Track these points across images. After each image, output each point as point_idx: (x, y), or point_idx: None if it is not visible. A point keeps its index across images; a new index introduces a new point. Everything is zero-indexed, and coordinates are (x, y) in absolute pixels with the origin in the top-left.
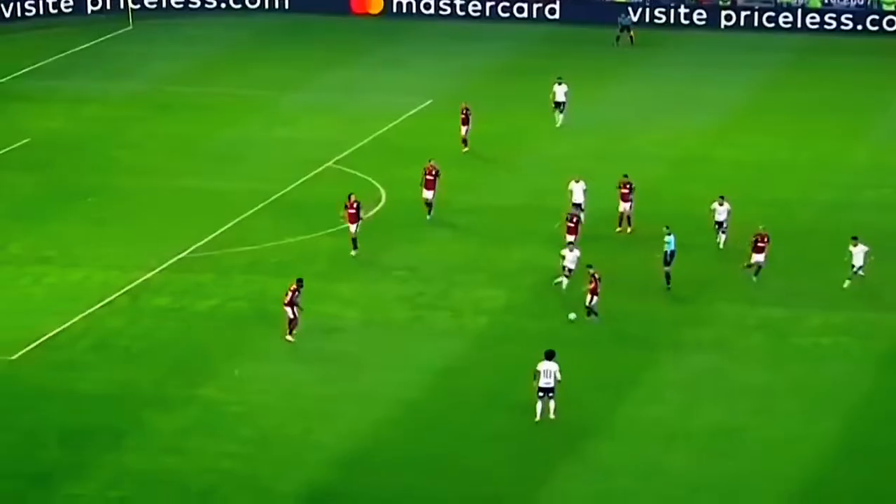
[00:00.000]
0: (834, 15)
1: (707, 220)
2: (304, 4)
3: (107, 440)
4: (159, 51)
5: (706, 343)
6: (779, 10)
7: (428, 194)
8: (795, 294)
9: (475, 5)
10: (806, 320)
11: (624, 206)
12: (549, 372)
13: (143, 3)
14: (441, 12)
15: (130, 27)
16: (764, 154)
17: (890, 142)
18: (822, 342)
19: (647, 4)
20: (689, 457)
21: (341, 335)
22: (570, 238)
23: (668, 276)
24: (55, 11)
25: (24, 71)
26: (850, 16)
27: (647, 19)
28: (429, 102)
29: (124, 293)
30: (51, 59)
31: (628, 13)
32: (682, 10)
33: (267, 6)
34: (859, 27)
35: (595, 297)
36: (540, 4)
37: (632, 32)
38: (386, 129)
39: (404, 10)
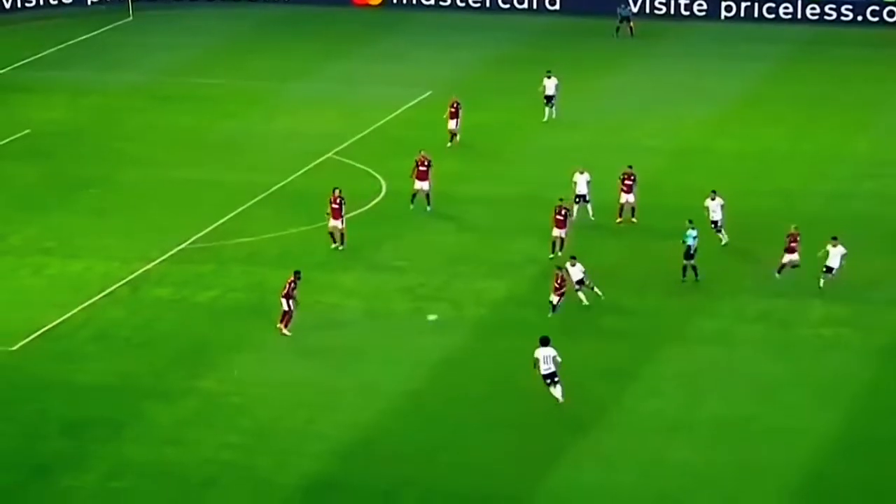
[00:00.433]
0: (834, 6)
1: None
2: None
3: (107, 431)
4: (159, 42)
5: (708, 335)
6: (779, 1)
7: (422, 185)
8: (796, 285)
9: None
10: (807, 312)
11: (626, 198)
12: (547, 358)
13: None
14: (441, 3)
15: (130, 18)
16: (764, 145)
17: (890, 133)
18: (823, 334)
19: None
20: (691, 449)
21: (342, 326)
22: (559, 232)
23: (685, 269)
24: (55, 2)
25: (24, 62)
26: (851, 7)
27: (648, 10)
28: (428, 94)
29: (125, 284)
30: (51, 50)
31: (628, 4)
32: (683, 0)
33: None
34: (860, 18)
35: (560, 298)
36: None
37: (631, 24)
38: (385, 120)
39: (404, 1)
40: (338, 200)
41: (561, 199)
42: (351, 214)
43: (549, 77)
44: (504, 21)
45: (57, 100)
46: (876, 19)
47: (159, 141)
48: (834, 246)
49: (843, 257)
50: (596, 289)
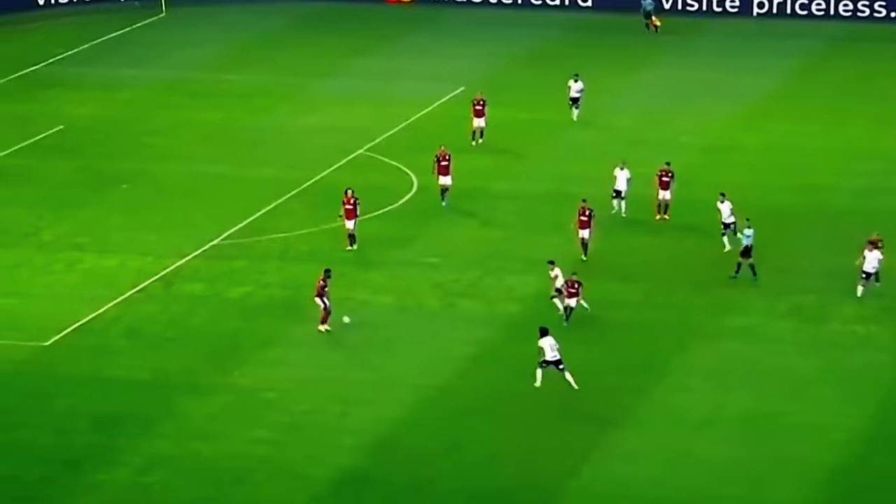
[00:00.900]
0: (867, 2)
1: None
2: None
3: (139, 426)
4: (192, 38)
5: (737, 330)
6: None
7: (445, 180)
8: (827, 282)
9: None
10: (837, 308)
11: (664, 194)
12: (553, 346)
13: None
14: (473, 0)
15: (163, 14)
16: (795, 141)
17: None
18: (853, 330)
19: None
20: (720, 444)
21: (373, 322)
22: (583, 233)
23: (739, 266)
24: None
25: (57, 58)
26: (884, 3)
27: (680, 6)
28: (460, 90)
29: (157, 280)
30: (84, 47)
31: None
32: None
33: None
34: (893, 14)
35: (574, 300)
36: None
37: (654, 19)
38: (417, 116)
39: None
40: (351, 201)
41: (584, 200)
42: (382, 211)
43: (575, 80)
44: (536, 17)
45: (90, 95)
46: None
47: (192, 137)
48: (870, 251)
49: (880, 262)
50: (583, 302)
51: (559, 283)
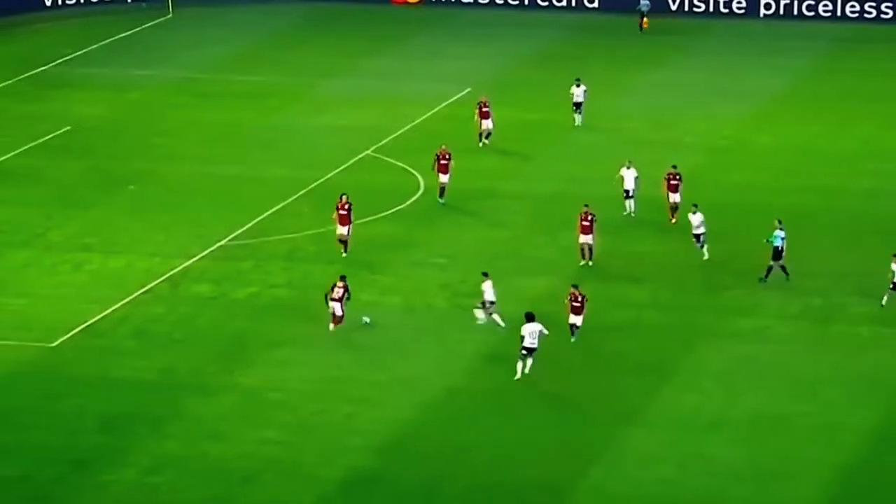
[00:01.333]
0: (874, 3)
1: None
2: None
3: (146, 427)
4: (199, 38)
5: (747, 331)
6: None
7: (444, 178)
8: (837, 283)
9: None
10: (846, 310)
11: (674, 198)
12: (533, 333)
13: None
14: (480, 0)
15: (170, 15)
16: (803, 142)
17: None
18: (861, 332)
19: None
20: (730, 444)
21: (382, 322)
22: (586, 238)
23: (770, 269)
24: (96, 0)
25: (66, 58)
26: (891, 4)
27: (687, 7)
28: (467, 91)
29: (165, 280)
30: (93, 47)
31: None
32: None
33: None
34: None
35: (581, 317)
36: None
37: (645, 20)
38: (424, 117)
39: None
40: (345, 207)
41: (586, 206)
42: (389, 212)
43: (577, 85)
44: (542, 18)
45: (98, 96)
46: None
47: (199, 137)
48: (893, 262)
49: None
50: (496, 317)
51: (488, 295)
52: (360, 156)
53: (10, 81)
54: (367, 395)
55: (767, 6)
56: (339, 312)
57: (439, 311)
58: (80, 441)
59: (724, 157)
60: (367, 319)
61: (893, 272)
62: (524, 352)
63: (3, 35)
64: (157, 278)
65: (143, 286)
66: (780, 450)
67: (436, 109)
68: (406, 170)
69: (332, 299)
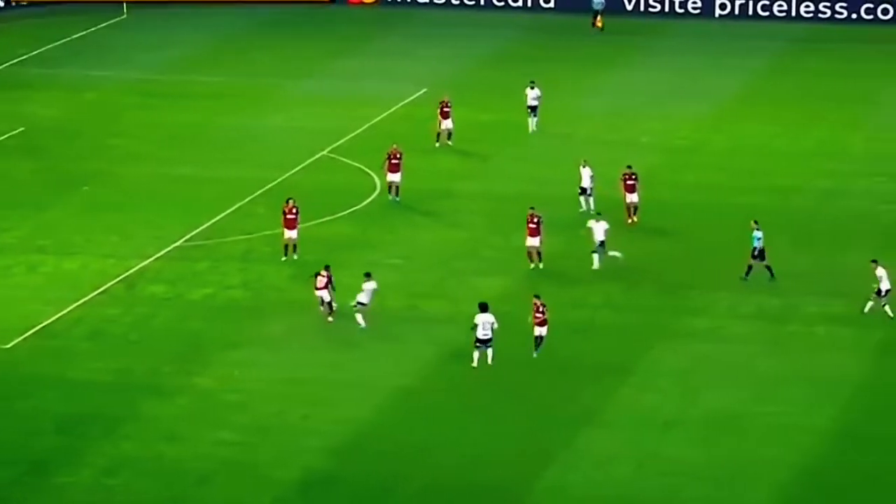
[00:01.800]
0: (828, 3)
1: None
2: None
3: (102, 428)
4: (154, 39)
5: (702, 332)
6: None
7: (394, 177)
8: (791, 283)
9: None
10: (801, 309)
11: (631, 197)
12: (486, 324)
13: None
14: (436, 1)
15: (125, 15)
16: (759, 142)
17: (885, 130)
18: (817, 331)
19: None
20: (687, 444)
21: (338, 323)
22: (533, 242)
23: (749, 268)
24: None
25: (19, 59)
26: (845, 4)
27: (642, 8)
28: (423, 91)
29: (120, 281)
30: (47, 48)
31: None
32: None
33: None
34: (854, 16)
35: (545, 328)
36: None
37: (598, 19)
38: (381, 117)
39: None
40: (293, 210)
41: (532, 208)
42: (345, 213)
43: (532, 87)
44: (498, 18)
45: (53, 97)
46: (870, 17)
47: (155, 137)
48: (875, 268)
49: (887, 276)
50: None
51: (363, 297)
52: (317, 156)
53: None
54: (324, 396)
55: (723, 6)
56: (327, 299)
57: (395, 311)
58: (36, 442)
59: (681, 158)
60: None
61: (877, 278)
62: (478, 343)
63: None
64: (113, 279)
65: (98, 287)
66: (736, 449)
67: (392, 110)
68: (362, 170)
69: (318, 288)
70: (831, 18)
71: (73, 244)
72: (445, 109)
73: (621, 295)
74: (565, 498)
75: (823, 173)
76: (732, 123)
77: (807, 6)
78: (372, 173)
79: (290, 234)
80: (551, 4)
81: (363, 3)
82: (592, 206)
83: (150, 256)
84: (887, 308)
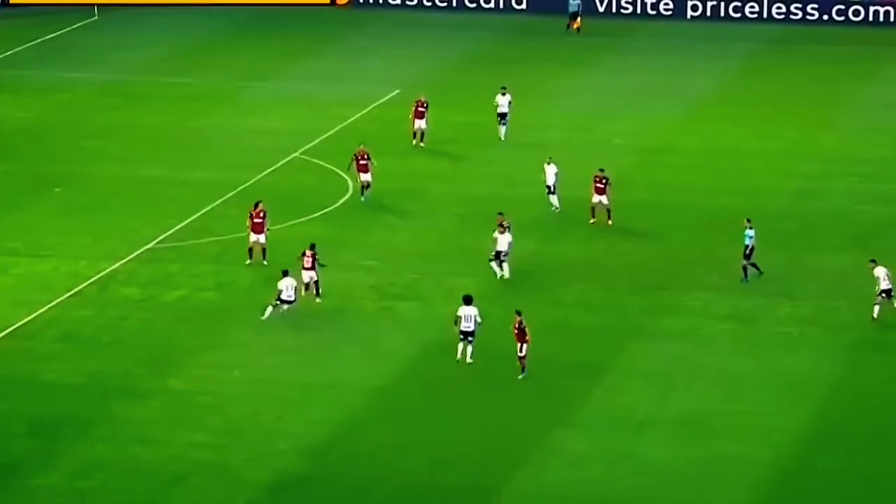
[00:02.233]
0: (800, 5)
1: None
2: None
3: (75, 430)
4: (126, 41)
5: (675, 332)
6: (745, 0)
7: (366, 177)
8: (764, 283)
9: None
10: (774, 310)
11: (599, 199)
12: (469, 317)
13: None
14: (408, 2)
15: (96, 17)
16: (731, 143)
17: (856, 131)
18: (790, 331)
19: None
20: (660, 444)
21: (311, 325)
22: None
23: (745, 269)
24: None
25: None
26: (816, 6)
27: (614, 9)
28: (396, 92)
29: (92, 283)
30: (17, 50)
31: None
32: (649, 0)
33: None
34: (825, 17)
35: (526, 346)
36: None
37: (577, 21)
38: (353, 118)
39: (370, 0)
40: (260, 214)
41: (500, 213)
42: (318, 214)
43: (503, 94)
44: (470, 20)
45: (23, 99)
46: (841, 18)
47: (128, 139)
48: (874, 268)
49: (888, 276)
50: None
51: (285, 294)
52: (289, 158)
53: None
54: (297, 398)
55: (694, 7)
56: (314, 279)
57: (369, 313)
58: (8, 445)
59: (654, 158)
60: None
61: (878, 279)
62: (461, 335)
63: None
64: (85, 281)
65: (71, 289)
66: (710, 449)
67: (365, 111)
68: (335, 171)
69: (305, 269)
70: (803, 20)
71: (45, 246)
72: (420, 109)
73: (595, 295)
74: (538, 498)
75: (796, 174)
76: (705, 124)
77: (778, 7)
78: (345, 175)
79: (258, 238)
80: (523, 6)
81: (336, 3)
82: (558, 203)
83: (123, 258)
84: (876, 309)
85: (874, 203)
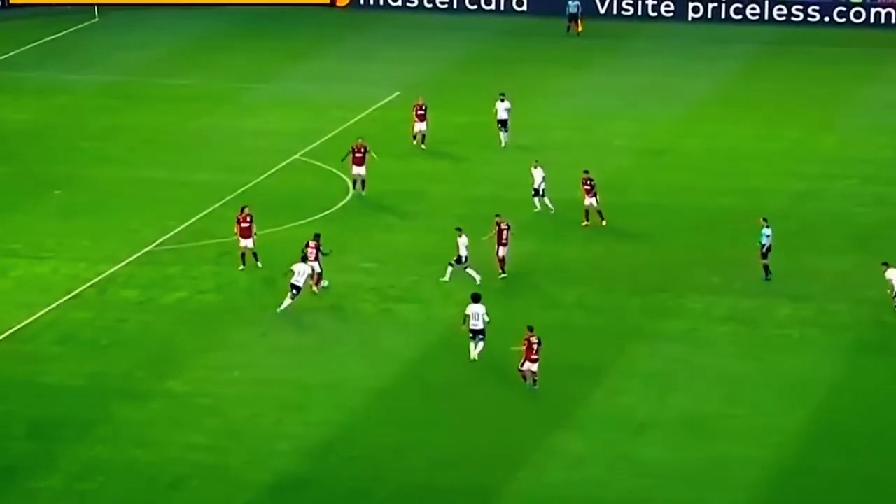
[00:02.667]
0: (801, 7)
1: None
2: None
3: (74, 433)
4: (127, 42)
5: (675, 334)
6: (746, 2)
7: (360, 170)
8: (764, 285)
9: None
10: (774, 311)
11: (590, 201)
12: (477, 315)
13: None
14: (409, 4)
15: (96, 19)
16: (732, 144)
17: (857, 132)
18: (790, 333)
19: None
20: (659, 446)
21: (311, 327)
22: (501, 251)
23: (766, 268)
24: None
25: None
26: (818, 7)
27: (615, 11)
28: (397, 94)
29: (91, 286)
30: (17, 51)
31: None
32: (650, 1)
33: None
34: (826, 19)
35: (536, 364)
36: None
37: (578, 23)
38: (354, 120)
39: (371, 2)
40: (247, 219)
41: (498, 215)
42: (318, 216)
43: (501, 100)
44: (471, 21)
45: (24, 100)
46: (843, 20)
47: (127, 141)
48: (886, 270)
49: None
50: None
51: (294, 278)
52: (289, 160)
53: None
54: (297, 399)
55: (696, 9)
56: (317, 270)
57: (369, 314)
58: (7, 447)
59: (655, 160)
60: (326, 283)
61: (889, 281)
62: (471, 334)
63: None
64: (84, 284)
65: (70, 291)
66: (710, 451)
67: (365, 113)
68: (335, 173)
69: (309, 260)
70: (804, 21)
71: (45, 248)
72: (420, 112)
73: (595, 296)
74: (538, 499)
75: (797, 175)
76: (706, 126)
77: (779, 9)
78: (345, 177)
79: (246, 243)
80: (524, 7)
81: (336, 5)
82: (550, 205)
83: (123, 260)
84: None
85: (875, 204)
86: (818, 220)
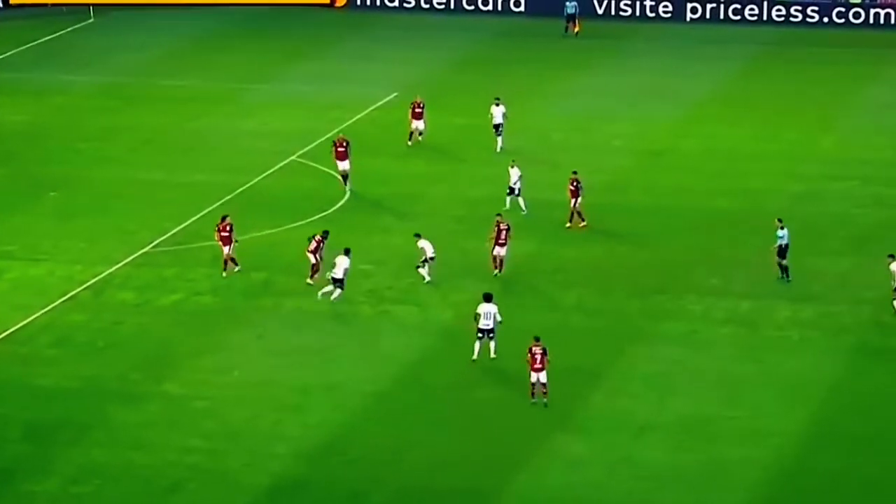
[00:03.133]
0: (800, 7)
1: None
2: None
3: (70, 435)
4: (123, 43)
5: (674, 336)
6: (745, 2)
7: (344, 165)
8: (764, 287)
9: None
10: (774, 313)
11: (573, 202)
12: (489, 314)
13: None
14: (406, 4)
15: (92, 19)
16: (731, 145)
17: (856, 133)
18: (790, 335)
19: None
20: (659, 448)
21: (308, 329)
22: (500, 251)
23: (783, 268)
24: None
25: None
26: (816, 8)
27: (613, 11)
28: (394, 95)
29: (87, 288)
30: (13, 52)
31: (573, 1)
32: (648, 2)
33: None
34: (825, 20)
35: (544, 374)
36: None
37: (575, 23)
38: (351, 121)
39: (368, 2)
40: (227, 228)
41: (499, 215)
42: (316, 217)
43: (497, 104)
44: (469, 22)
45: (20, 101)
46: (841, 21)
47: (124, 142)
48: (891, 263)
49: None
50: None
51: (333, 271)
52: (286, 161)
53: None
54: (294, 402)
55: (694, 10)
56: (312, 262)
57: (366, 317)
58: (3, 450)
59: (653, 161)
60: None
61: (893, 273)
62: (480, 334)
63: None
64: (80, 286)
65: (66, 293)
66: (710, 453)
67: (363, 114)
68: (332, 175)
69: (309, 251)
70: (803, 22)
71: (41, 250)
72: (417, 110)
73: (594, 298)
74: (538, 501)
75: (796, 176)
76: (704, 126)
77: (778, 10)
78: (342, 178)
79: (225, 250)
80: (522, 8)
81: (333, 6)
82: (524, 206)
83: (119, 262)
84: None
85: (874, 206)
86: (817, 222)
